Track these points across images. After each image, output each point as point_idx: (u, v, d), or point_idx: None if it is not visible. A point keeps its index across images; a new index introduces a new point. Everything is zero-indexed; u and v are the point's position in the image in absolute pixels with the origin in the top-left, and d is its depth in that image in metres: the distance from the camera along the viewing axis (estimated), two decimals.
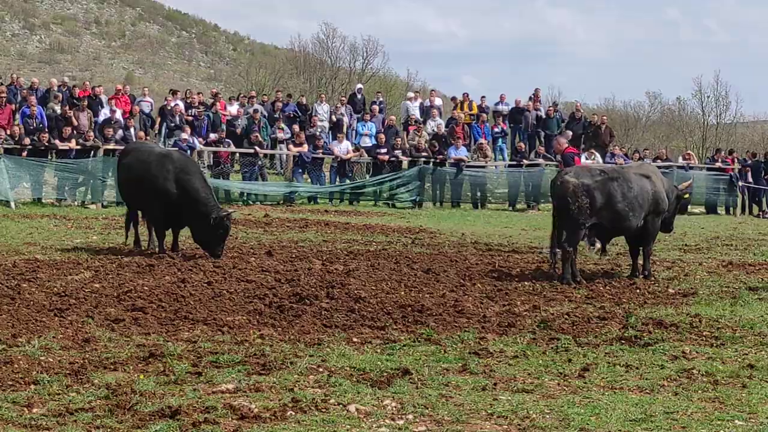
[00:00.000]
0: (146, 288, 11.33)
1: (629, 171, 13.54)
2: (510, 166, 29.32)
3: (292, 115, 30.27)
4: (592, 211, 12.87)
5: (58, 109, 26.20)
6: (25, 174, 23.58)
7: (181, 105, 28.70)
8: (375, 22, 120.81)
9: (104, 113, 26.89)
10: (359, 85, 36.66)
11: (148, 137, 27.07)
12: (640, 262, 13.61)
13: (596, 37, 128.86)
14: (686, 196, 14.93)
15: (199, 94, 30.76)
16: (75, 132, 24.97)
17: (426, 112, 31.68)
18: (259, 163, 27.10)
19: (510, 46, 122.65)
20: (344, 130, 29.96)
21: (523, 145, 29.71)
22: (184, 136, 25.91)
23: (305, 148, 27.31)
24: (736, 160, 31.31)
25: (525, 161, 28.76)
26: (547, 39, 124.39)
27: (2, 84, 27.68)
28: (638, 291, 12.27)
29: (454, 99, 33.52)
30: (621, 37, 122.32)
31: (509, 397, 7.09)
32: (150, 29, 72.96)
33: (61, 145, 24.31)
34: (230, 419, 6.36)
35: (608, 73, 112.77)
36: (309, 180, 27.76)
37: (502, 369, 7.98)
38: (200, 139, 27.21)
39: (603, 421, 6.51)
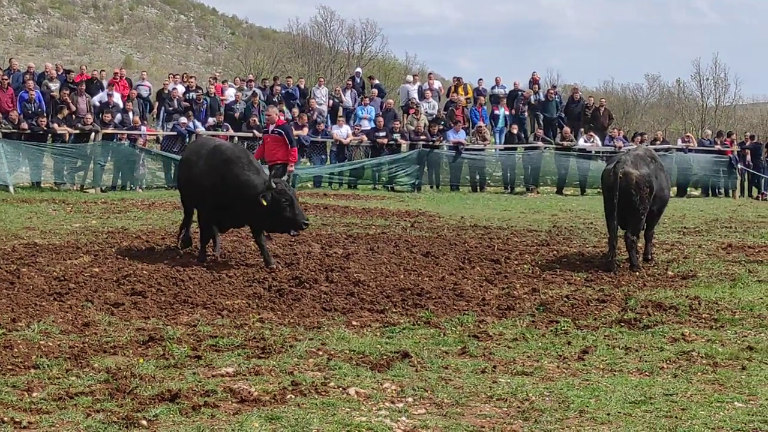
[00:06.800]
0: (145, 272, 11.33)
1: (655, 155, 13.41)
2: (506, 149, 29.24)
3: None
4: (650, 200, 12.72)
5: (53, 86, 26.09)
6: (24, 158, 23.55)
7: (180, 89, 28.55)
8: (370, 5, 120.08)
9: (101, 97, 26.81)
10: (358, 69, 36.55)
11: (145, 122, 27.01)
12: (640, 245, 13.52)
13: (588, 19, 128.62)
14: None
15: (192, 77, 30.54)
16: (73, 116, 24.91)
17: (422, 94, 31.52)
18: None
19: (503, 29, 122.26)
20: (343, 113, 29.90)
21: (516, 127, 29.47)
22: (183, 120, 25.83)
23: (305, 131, 27.25)
24: (734, 142, 31.27)
25: (521, 145, 28.72)
26: (540, 22, 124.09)
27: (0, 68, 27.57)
28: (637, 274, 12.26)
29: (449, 91, 33.39)
30: (612, 18, 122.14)
31: (509, 380, 7.10)
32: (148, 13, 72.60)
33: (60, 130, 24.24)
34: (230, 402, 6.37)
35: (605, 56, 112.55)
36: (309, 163, 27.72)
37: (501, 352, 7.99)
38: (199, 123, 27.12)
39: (602, 404, 6.52)
